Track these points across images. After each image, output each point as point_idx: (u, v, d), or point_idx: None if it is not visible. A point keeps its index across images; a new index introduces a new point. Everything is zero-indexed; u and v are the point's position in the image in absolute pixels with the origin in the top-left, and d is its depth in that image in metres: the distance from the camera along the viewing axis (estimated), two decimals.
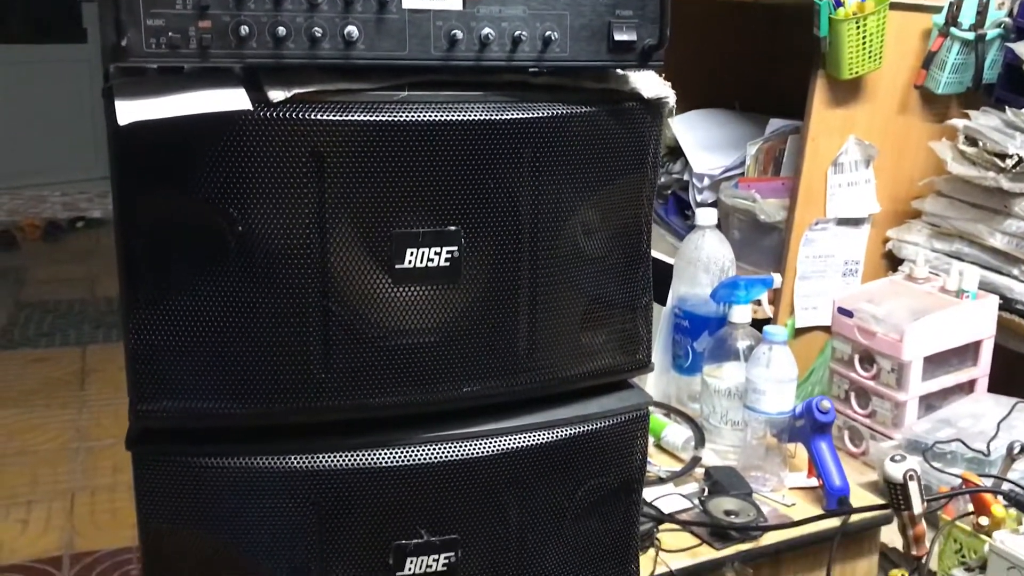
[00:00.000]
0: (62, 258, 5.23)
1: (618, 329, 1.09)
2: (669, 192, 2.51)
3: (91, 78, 6.29)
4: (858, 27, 1.83)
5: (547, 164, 0.96)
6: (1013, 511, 1.32)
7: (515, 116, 0.93)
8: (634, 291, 1.09)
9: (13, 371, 3.82)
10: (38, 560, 2.62)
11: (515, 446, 1.03)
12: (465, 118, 0.91)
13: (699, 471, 1.56)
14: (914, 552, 1.23)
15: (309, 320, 0.93)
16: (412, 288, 0.95)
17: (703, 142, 2.46)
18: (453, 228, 0.94)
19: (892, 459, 1.19)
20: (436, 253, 0.94)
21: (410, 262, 0.93)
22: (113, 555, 2.65)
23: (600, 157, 0.99)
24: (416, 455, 0.99)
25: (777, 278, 1.72)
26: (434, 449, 1.00)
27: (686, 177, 2.46)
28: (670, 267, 1.73)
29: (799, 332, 2.12)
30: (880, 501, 1.47)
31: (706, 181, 2.39)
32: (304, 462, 0.96)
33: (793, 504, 1.50)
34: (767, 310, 1.81)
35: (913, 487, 1.18)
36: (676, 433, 1.62)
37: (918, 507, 1.19)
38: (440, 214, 0.94)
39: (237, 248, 0.89)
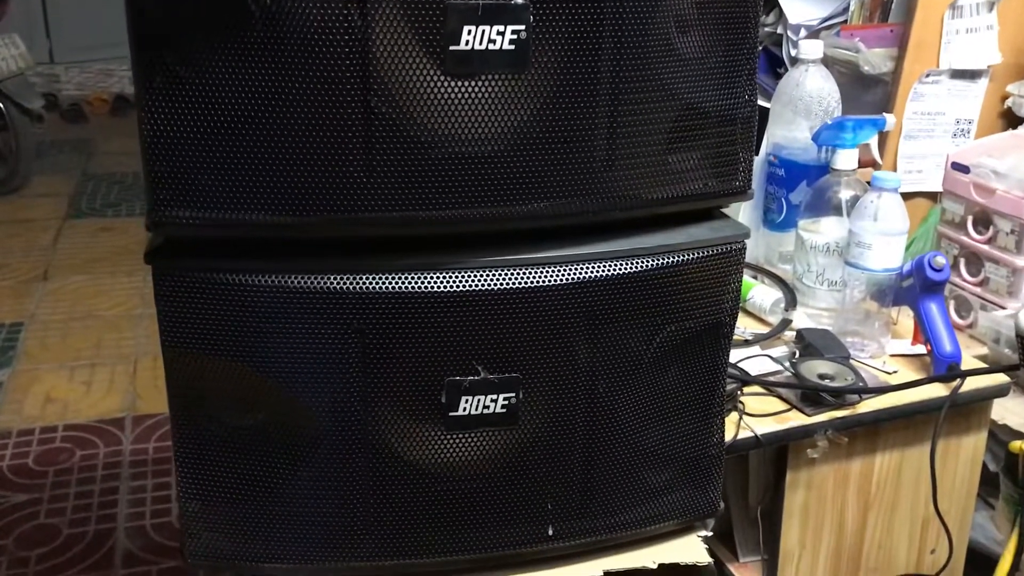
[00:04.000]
0: (129, 131, 5.19)
1: (713, 147, 0.93)
2: (760, 48, 2.30)
3: None
4: None
5: None
6: None
7: None
8: (734, 101, 0.92)
9: (80, 239, 3.82)
10: (101, 420, 2.62)
11: (588, 276, 0.89)
12: None
13: (789, 334, 1.41)
14: None
15: (348, 115, 0.79)
16: (469, 82, 0.80)
17: None
18: (520, 1, 0.78)
19: None
20: (499, 33, 0.78)
21: (467, 43, 0.78)
22: None
23: None
24: (474, 280, 0.86)
25: (890, 119, 1.52)
26: (494, 275, 0.86)
27: (779, 30, 2.24)
28: (765, 111, 1.54)
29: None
30: None
31: (803, 33, 2.17)
32: (345, 283, 0.84)
33: (895, 372, 1.34)
34: (877, 156, 1.62)
35: None
36: (764, 295, 1.47)
37: None
38: None
39: (262, 21, 0.75)
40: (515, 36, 0.78)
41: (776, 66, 2.29)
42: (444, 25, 0.77)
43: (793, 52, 2.18)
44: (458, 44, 0.78)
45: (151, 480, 2.41)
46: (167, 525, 2.23)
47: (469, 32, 0.77)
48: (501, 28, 0.78)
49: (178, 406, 0.91)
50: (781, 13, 2.23)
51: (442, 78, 0.79)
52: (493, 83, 0.81)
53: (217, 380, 0.88)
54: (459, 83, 0.80)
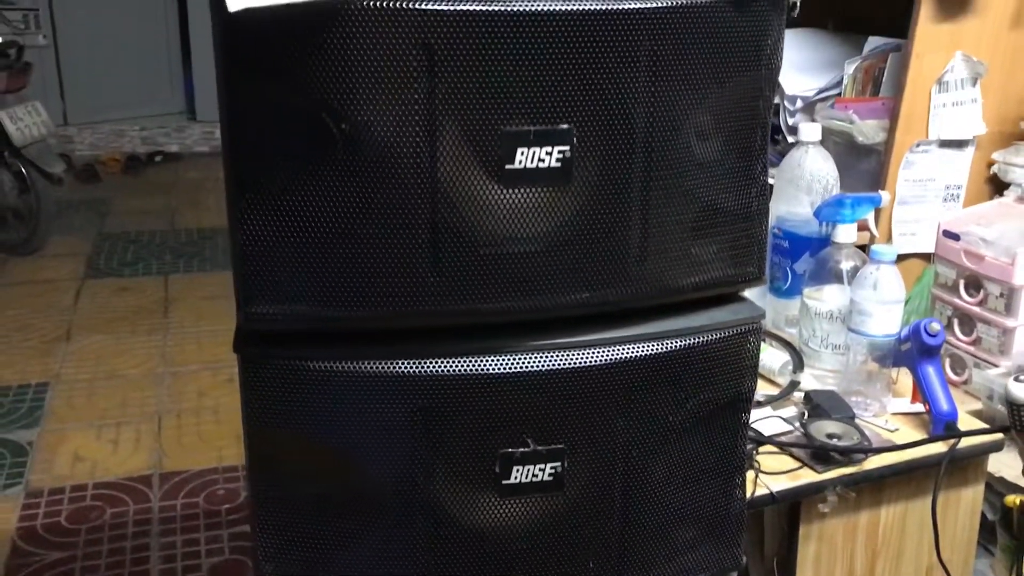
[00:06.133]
0: (143, 191, 5.33)
1: (730, 239, 1.05)
2: None
3: (166, 13, 6.32)
4: None
5: (665, 58, 0.91)
6: None
7: (634, 6, 0.89)
8: (748, 199, 1.04)
9: (100, 299, 3.92)
10: (129, 478, 2.71)
11: (623, 356, 1.00)
12: (582, 8, 0.87)
13: (798, 395, 1.52)
14: None
15: (418, 224, 0.91)
16: (521, 192, 0.92)
17: (796, 63, 2.36)
18: (565, 126, 0.90)
19: (1016, 379, 1.14)
20: (547, 153, 0.90)
21: (520, 162, 0.90)
22: (200, 475, 2.72)
23: (719, 53, 0.94)
24: (524, 362, 0.97)
25: (885, 196, 1.64)
26: (542, 357, 0.97)
27: (777, 100, 2.37)
28: (769, 186, 1.67)
29: (896, 259, 2.04)
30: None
31: (799, 103, 2.30)
32: (412, 367, 0.95)
33: (896, 429, 1.45)
34: (874, 230, 1.74)
35: None
36: (773, 357, 1.58)
37: None
38: (552, 112, 0.90)
39: (344, 145, 0.87)
40: (561, 155, 0.90)
41: (774, 133, 2.41)
42: (501, 148, 0.89)
43: (791, 121, 2.31)
44: (512, 163, 0.90)
45: (180, 536, 2.49)
46: None
47: (522, 153, 0.89)
48: (549, 149, 0.90)
49: (257, 476, 1.01)
50: (778, 84, 2.35)
51: (498, 190, 0.91)
52: (542, 193, 0.92)
53: (294, 453, 0.99)
54: (512, 193, 0.92)
